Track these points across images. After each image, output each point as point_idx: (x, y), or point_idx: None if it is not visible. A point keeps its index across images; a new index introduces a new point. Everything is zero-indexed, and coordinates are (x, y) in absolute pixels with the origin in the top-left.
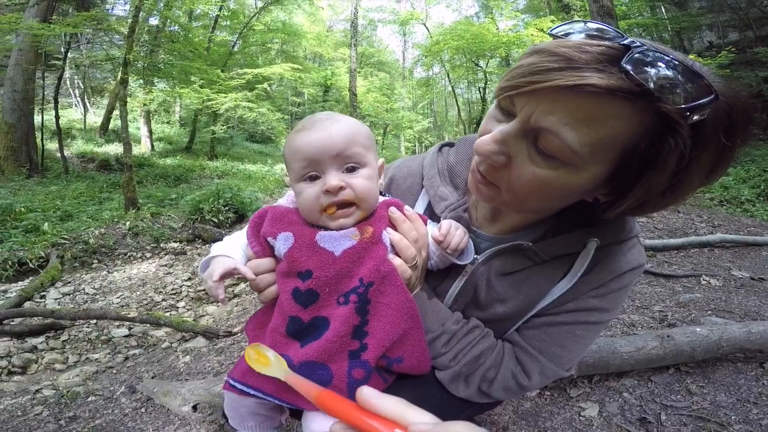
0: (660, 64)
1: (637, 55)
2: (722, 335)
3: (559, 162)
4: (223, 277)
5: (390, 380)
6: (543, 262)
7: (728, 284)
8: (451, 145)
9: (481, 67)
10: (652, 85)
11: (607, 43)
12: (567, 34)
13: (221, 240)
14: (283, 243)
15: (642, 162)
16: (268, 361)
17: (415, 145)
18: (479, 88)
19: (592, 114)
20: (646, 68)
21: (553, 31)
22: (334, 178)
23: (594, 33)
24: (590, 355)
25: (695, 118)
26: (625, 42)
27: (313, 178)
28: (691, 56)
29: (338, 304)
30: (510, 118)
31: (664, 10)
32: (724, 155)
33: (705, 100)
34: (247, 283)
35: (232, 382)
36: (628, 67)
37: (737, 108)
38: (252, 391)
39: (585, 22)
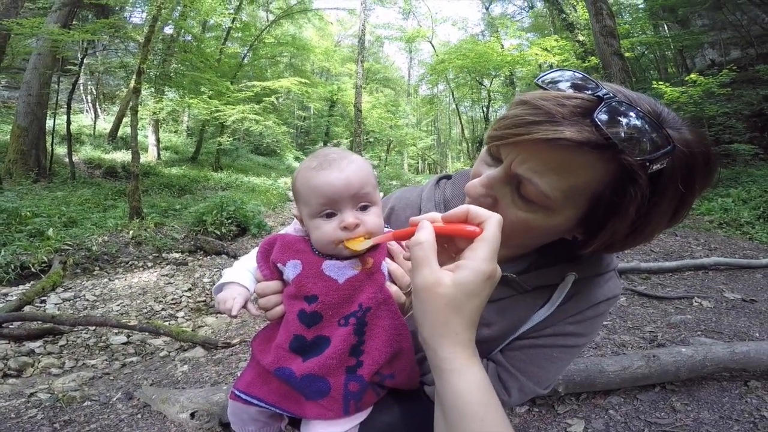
0: (630, 114)
1: (608, 108)
2: (706, 355)
3: (537, 206)
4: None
5: (382, 394)
6: (525, 292)
7: (720, 306)
8: (448, 177)
9: (485, 86)
10: (622, 134)
11: (583, 95)
12: (556, 82)
13: (225, 252)
14: (291, 269)
15: (607, 209)
16: (359, 245)
17: (418, 162)
18: (483, 106)
19: (564, 165)
20: (617, 119)
21: (540, 80)
22: (350, 216)
23: (578, 82)
24: (578, 374)
25: (655, 167)
26: (599, 93)
27: (330, 215)
28: (693, 75)
29: (339, 325)
30: (498, 163)
31: (666, 28)
32: (684, 200)
33: (662, 151)
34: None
35: (237, 392)
36: (599, 121)
37: (696, 155)
38: (255, 401)
39: (573, 72)
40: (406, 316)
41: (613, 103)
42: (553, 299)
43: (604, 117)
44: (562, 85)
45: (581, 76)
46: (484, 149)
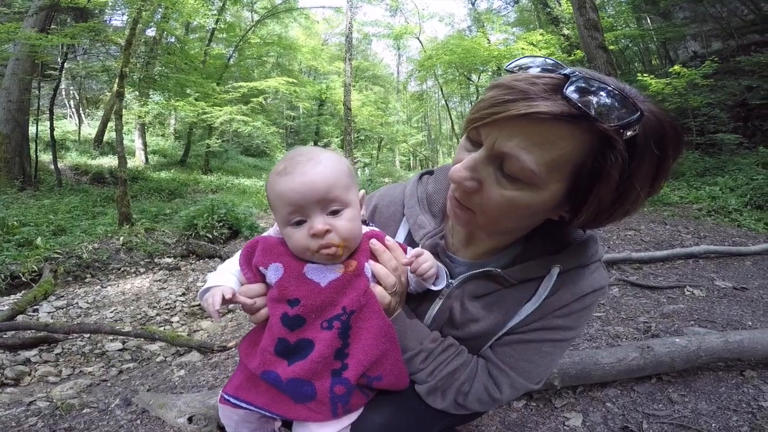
0: (596, 90)
1: (575, 83)
2: (701, 345)
3: (523, 183)
4: (224, 303)
5: (371, 395)
6: (511, 286)
7: (711, 294)
8: (430, 173)
9: (473, 81)
10: (593, 106)
11: (552, 75)
12: (527, 68)
13: (218, 256)
14: (273, 273)
15: (591, 177)
16: None
17: (409, 159)
18: (471, 102)
19: (544, 137)
20: (586, 92)
21: (510, 67)
22: (319, 223)
23: (549, 67)
24: (573, 367)
25: (629, 134)
26: (565, 72)
27: (300, 223)
28: (676, 67)
29: (322, 329)
30: (478, 148)
31: (649, 21)
32: (661, 165)
33: (633, 117)
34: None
35: (226, 396)
36: (569, 94)
37: (665, 123)
38: (244, 404)
39: (545, 58)
40: (392, 318)
41: (580, 80)
42: (539, 292)
43: (573, 91)
44: (532, 71)
45: (552, 61)
46: (462, 138)
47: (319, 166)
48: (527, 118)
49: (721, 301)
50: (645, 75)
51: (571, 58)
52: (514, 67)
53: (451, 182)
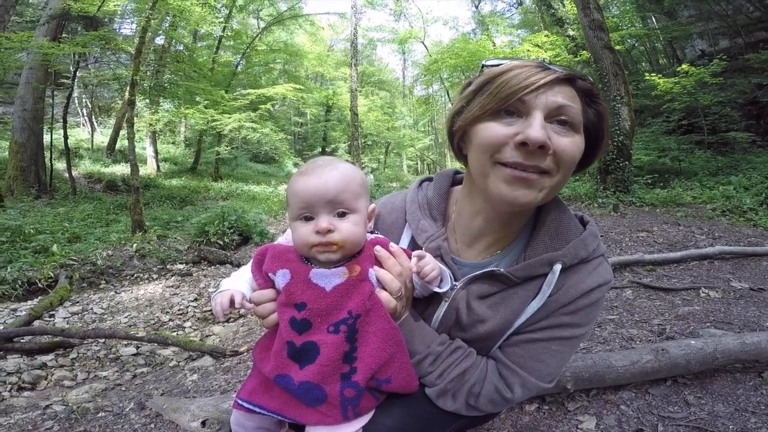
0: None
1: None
2: (717, 347)
3: (573, 130)
4: (231, 306)
5: (381, 398)
6: (516, 285)
7: (727, 296)
8: (430, 179)
9: None
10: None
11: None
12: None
13: (229, 262)
14: (281, 278)
15: (596, 114)
16: None
17: (417, 163)
18: None
19: (569, 93)
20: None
21: (490, 63)
22: (324, 221)
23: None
24: (586, 370)
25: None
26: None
27: (308, 219)
28: (684, 66)
29: (328, 333)
30: (517, 117)
31: (654, 20)
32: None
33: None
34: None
35: (240, 401)
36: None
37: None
38: (258, 409)
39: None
40: (398, 322)
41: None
42: (543, 290)
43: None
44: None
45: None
46: (485, 114)
47: (334, 171)
48: (559, 81)
49: (738, 303)
50: (653, 74)
51: (577, 59)
52: (495, 63)
53: (530, 144)
